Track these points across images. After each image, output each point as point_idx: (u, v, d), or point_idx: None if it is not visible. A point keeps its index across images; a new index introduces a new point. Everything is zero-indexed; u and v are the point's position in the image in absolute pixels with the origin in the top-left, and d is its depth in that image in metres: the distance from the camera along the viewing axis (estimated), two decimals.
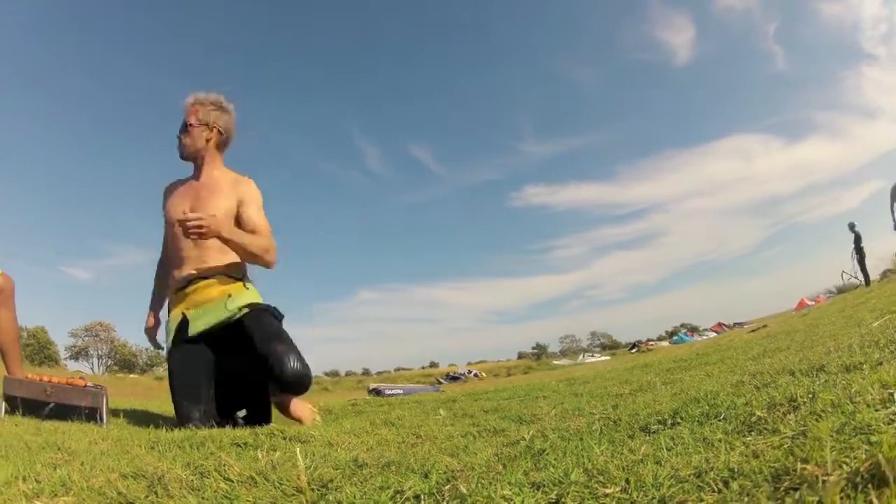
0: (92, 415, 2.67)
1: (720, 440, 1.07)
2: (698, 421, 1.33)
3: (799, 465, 0.77)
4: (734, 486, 0.79)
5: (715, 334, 21.78)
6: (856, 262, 16.61)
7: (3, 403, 2.59)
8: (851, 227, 16.98)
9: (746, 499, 0.73)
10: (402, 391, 12.20)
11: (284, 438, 1.94)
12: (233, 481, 1.17)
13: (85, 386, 2.81)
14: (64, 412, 2.62)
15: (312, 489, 1.10)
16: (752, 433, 1.07)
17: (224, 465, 1.26)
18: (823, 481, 0.71)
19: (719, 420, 1.27)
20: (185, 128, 2.72)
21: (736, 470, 0.85)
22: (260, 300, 2.66)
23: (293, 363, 2.35)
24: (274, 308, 2.69)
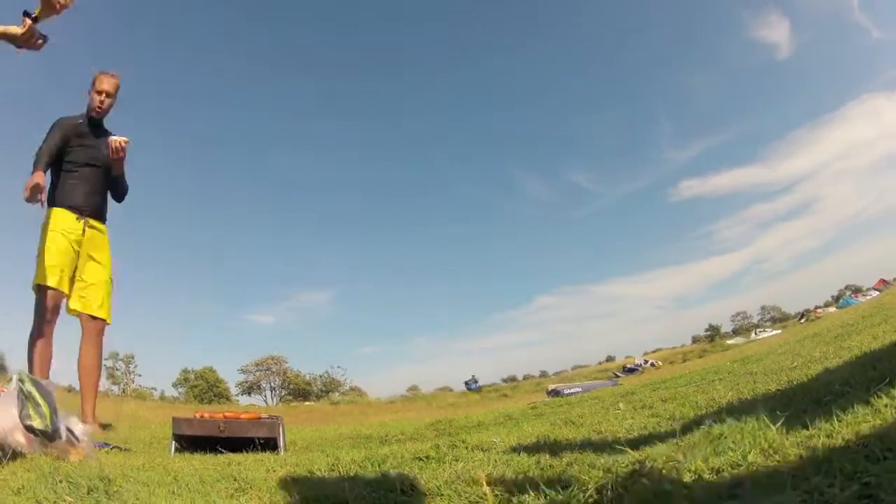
0: (269, 445, 2.72)
1: (886, 405, 1.15)
2: (866, 388, 1.36)
3: None
4: None
5: (877, 292, 19.43)
6: None
7: (173, 443, 2.63)
8: None
9: None
10: (580, 389, 12.22)
11: (467, 448, 2.05)
12: (416, 494, 1.21)
13: (259, 418, 2.89)
14: (240, 445, 2.60)
15: (496, 495, 1.16)
16: None
17: (406, 480, 1.30)
18: None
19: (886, 384, 1.31)
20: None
21: None
22: None
23: None
24: None
